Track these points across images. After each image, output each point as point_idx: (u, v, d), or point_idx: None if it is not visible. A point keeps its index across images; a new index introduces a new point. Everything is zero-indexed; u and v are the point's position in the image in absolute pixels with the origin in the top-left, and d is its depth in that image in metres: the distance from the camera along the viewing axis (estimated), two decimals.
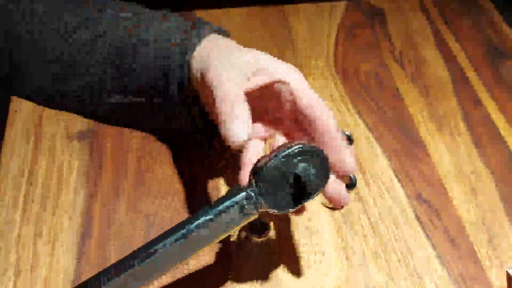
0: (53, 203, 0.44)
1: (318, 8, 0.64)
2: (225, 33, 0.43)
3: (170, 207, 0.45)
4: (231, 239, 0.43)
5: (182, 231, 0.32)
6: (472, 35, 0.63)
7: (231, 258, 0.42)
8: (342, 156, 0.36)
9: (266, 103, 0.38)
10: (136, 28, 0.42)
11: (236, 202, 0.33)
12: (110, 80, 0.43)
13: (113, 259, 0.41)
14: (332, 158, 0.35)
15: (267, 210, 0.33)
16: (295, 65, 0.57)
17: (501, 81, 0.58)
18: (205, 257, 0.42)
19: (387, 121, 0.53)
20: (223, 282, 0.41)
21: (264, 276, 0.41)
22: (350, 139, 0.47)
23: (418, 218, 0.45)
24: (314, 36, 0.61)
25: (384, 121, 0.53)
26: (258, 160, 0.34)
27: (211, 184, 0.47)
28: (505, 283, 0.42)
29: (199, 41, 0.40)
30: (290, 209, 0.34)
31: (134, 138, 0.49)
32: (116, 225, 0.43)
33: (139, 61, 0.41)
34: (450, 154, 0.50)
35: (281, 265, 0.42)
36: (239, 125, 0.34)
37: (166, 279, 0.40)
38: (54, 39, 0.43)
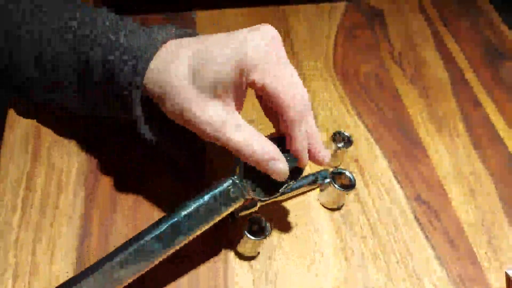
0: (52, 206, 0.44)
1: (318, 9, 0.64)
2: (187, 33, 0.40)
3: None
4: (230, 240, 0.43)
5: (172, 220, 0.36)
6: (471, 36, 0.63)
7: (228, 259, 0.42)
8: (313, 148, 0.38)
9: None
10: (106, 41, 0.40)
11: (223, 188, 0.37)
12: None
13: None
14: (297, 147, 0.37)
15: (252, 196, 0.38)
16: (295, 66, 0.57)
17: (500, 82, 0.58)
18: (202, 257, 0.42)
19: (387, 122, 0.53)
20: (222, 282, 0.41)
21: (262, 276, 0.41)
22: (349, 140, 0.47)
23: (417, 219, 0.46)
24: (314, 37, 0.61)
25: (383, 122, 0.53)
26: None
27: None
28: (504, 284, 0.42)
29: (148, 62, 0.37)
30: (272, 195, 0.39)
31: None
32: (115, 229, 0.43)
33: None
34: (450, 155, 0.51)
35: (280, 265, 0.42)
36: (279, 165, 0.37)
37: (164, 280, 0.40)
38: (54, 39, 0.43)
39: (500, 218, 0.46)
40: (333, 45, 0.60)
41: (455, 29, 0.64)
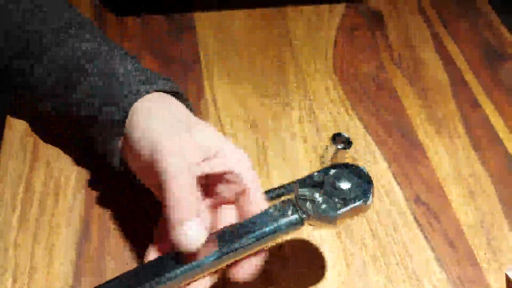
0: (52, 206, 0.44)
1: (318, 10, 0.64)
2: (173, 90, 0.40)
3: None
4: None
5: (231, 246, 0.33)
6: (471, 38, 0.63)
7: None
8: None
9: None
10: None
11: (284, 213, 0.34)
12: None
13: (112, 263, 0.41)
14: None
15: (313, 219, 0.34)
16: (295, 67, 0.57)
17: (499, 83, 0.58)
18: None
19: (386, 124, 0.53)
20: (220, 282, 0.41)
21: (262, 279, 0.41)
22: (349, 142, 0.47)
23: (417, 220, 0.46)
24: (313, 38, 0.61)
25: (383, 124, 0.53)
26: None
27: None
28: (503, 286, 0.42)
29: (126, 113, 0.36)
30: (332, 215, 0.34)
31: None
32: (114, 229, 0.43)
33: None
34: (449, 156, 0.51)
35: (279, 268, 0.42)
36: (194, 229, 0.31)
37: None
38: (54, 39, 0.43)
39: (499, 219, 0.46)
40: (333, 46, 0.60)
41: (455, 30, 0.64)
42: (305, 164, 0.49)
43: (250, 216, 0.34)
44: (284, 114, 0.53)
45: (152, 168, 0.33)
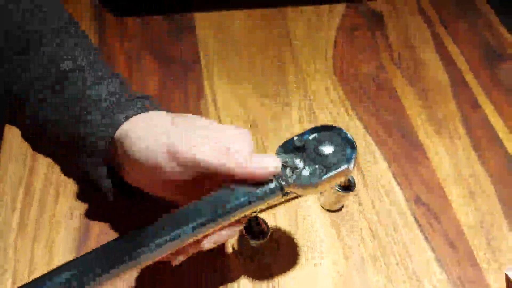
0: (52, 206, 0.44)
1: (318, 10, 0.64)
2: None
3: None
4: (230, 242, 0.43)
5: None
6: (470, 38, 0.63)
7: (229, 260, 0.42)
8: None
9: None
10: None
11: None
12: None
13: None
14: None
15: (293, 187, 0.33)
16: (295, 67, 0.57)
17: (499, 83, 0.58)
18: (203, 257, 0.42)
19: (386, 124, 0.53)
20: (221, 283, 0.41)
21: (262, 278, 0.41)
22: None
23: (417, 221, 0.46)
24: (314, 38, 0.61)
25: (383, 124, 0.53)
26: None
27: None
28: (503, 286, 0.42)
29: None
30: (314, 182, 0.32)
31: None
32: (114, 228, 0.43)
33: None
34: (449, 157, 0.51)
35: (279, 267, 0.42)
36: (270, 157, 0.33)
37: (165, 283, 0.40)
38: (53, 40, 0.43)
39: (499, 220, 0.46)
40: (333, 46, 0.60)
41: (454, 30, 0.64)
42: None
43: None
44: (284, 114, 0.53)
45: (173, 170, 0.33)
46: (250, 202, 0.32)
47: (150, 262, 0.33)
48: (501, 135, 0.53)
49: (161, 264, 0.37)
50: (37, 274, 0.40)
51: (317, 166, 0.33)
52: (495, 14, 0.66)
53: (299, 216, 0.45)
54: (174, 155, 0.33)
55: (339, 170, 0.32)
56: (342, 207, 0.46)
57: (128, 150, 0.35)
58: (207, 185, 0.36)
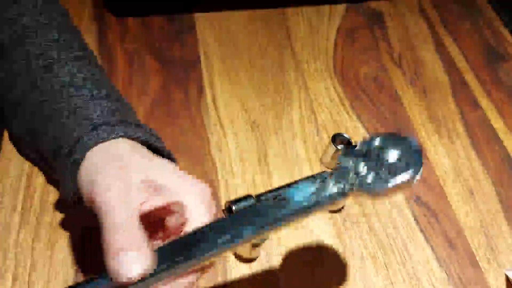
0: (52, 206, 0.44)
1: (318, 11, 0.64)
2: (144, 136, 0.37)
3: None
4: None
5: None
6: (471, 38, 0.63)
7: (229, 261, 0.42)
8: None
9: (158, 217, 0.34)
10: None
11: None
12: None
13: None
14: None
15: (356, 192, 0.32)
16: (295, 67, 0.57)
17: (499, 83, 0.58)
18: None
19: (386, 124, 0.53)
20: (221, 283, 0.41)
21: (261, 278, 0.41)
22: (349, 142, 0.47)
23: (416, 220, 0.46)
24: (314, 39, 0.61)
25: (383, 124, 0.53)
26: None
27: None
28: (503, 285, 0.42)
29: (84, 153, 0.35)
30: (380, 188, 0.31)
31: None
32: None
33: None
34: (449, 156, 0.51)
35: (280, 267, 0.42)
36: (132, 259, 0.29)
37: None
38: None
39: (499, 219, 0.46)
40: (333, 47, 0.60)
41: (455, 30, 0.64)
42: (305, 164, 0.49)
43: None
44: (284, 114, 0.53)
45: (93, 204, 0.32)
46: (314, 205, 0.31)
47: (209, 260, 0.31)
48: (500, 134, 0.53)
49: None
50: (37, 275, 0.40)
51: (382, 173, 0.31)
52: (495, 13, 0.66)
53: None
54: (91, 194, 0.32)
55: (405, 176, 0.31)
56: (343, 207, 0.46)
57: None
58: None
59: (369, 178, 0.31)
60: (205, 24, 0.61)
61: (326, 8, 0.65)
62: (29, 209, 0.44)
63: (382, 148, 0.32)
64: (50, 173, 0.41)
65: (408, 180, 0.31)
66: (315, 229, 0.44)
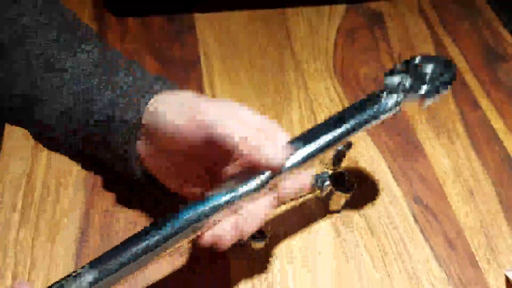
0: (52, 205, 0.44)
1: (318, 11, 0.65)
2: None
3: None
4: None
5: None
6: (470, 38, 0.63)
7: (229, 261, 0.42)
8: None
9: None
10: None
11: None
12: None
13: None
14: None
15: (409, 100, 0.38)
16: (295, 67, 0.57)
17: (498, 83, 0.58)
18: (204, 253, 0.42)
19: (386, 124, 0.53)
20: (221, 283, 0.41)
21: (260, 276, 0.41)
22: (349, 143, 0.47)
23: (416, 220, 0.46)
24: (314, 39, 0.61)
25: (382, 124, 0.53)
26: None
27: None
28: (503, 286, 0.42)
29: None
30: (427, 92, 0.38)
31: None
32: (115, 227, 0.43)
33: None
34: (448, 156, 0.51)
35: (278, 266, 0.42)
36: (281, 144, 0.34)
37: (164, 283, 0.40)
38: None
39: (498, 219, 0.46)
40: (333, 47, 0.60)
41: (454, 30, 0.64)
42: None
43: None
44: (284, 114, 0.53)
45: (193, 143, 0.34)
46: (376, 115, 0.37)
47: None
48: (501, 135, 0.53)
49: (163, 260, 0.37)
50: (37, 274, 0.40)
51: (424, 81, 0.38)
52: (495, 14, 0.66)
53: (298, 216, 0.45)
54: (195, 116, 0.34)
55: (444, 80, 0.38)
56: (342, 207, 0.46)
57: (156, 118, 0.35)
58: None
59: (415, 87, 0.38)
60: (205, 24, 0.61)
61: (326, 8, 0.65)
62: (29, 207, 0.44)
63: (420, 65, 0.39)
64: (100, 153, 0.41)
65: (446, 82, 0.38)
66: (313, 228, 0.44)
